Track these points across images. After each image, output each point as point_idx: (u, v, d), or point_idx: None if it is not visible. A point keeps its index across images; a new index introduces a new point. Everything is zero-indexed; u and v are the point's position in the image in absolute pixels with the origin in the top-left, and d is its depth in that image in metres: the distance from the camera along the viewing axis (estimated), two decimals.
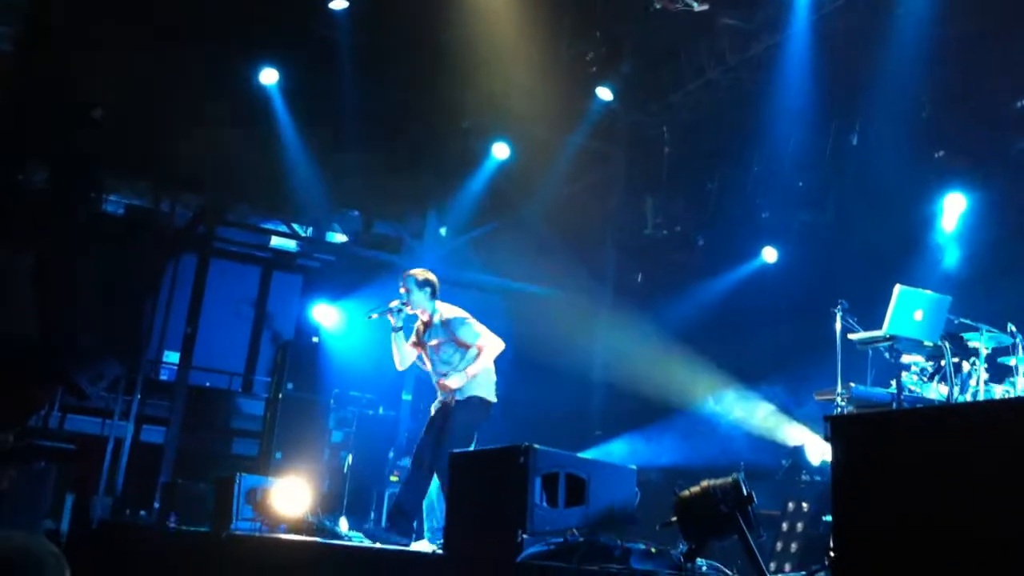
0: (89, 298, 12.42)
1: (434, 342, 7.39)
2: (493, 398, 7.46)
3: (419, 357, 7.61)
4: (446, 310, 7.44)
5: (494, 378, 7.51)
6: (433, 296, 7.44)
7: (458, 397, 7.32)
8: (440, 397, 7.50)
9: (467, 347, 7.34)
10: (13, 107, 12.01)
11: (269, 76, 12.45)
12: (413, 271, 7.53)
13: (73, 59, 11.68)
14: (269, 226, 15.39)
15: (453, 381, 7.23)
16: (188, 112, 12.35)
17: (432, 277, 7.46)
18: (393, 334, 7.41)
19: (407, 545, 7.05)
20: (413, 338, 7.55)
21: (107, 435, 12.13)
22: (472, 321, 7.41)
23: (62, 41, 11.61)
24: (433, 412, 7.52)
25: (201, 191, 13.98)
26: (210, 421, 13.44)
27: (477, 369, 7.28)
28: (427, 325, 7.47)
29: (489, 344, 7.33)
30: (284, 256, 15.73)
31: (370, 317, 7.42)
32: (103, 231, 13.24)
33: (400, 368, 7.60)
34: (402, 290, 7.40)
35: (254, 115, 12.64)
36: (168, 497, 10.12)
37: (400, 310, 7.34)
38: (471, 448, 7.24)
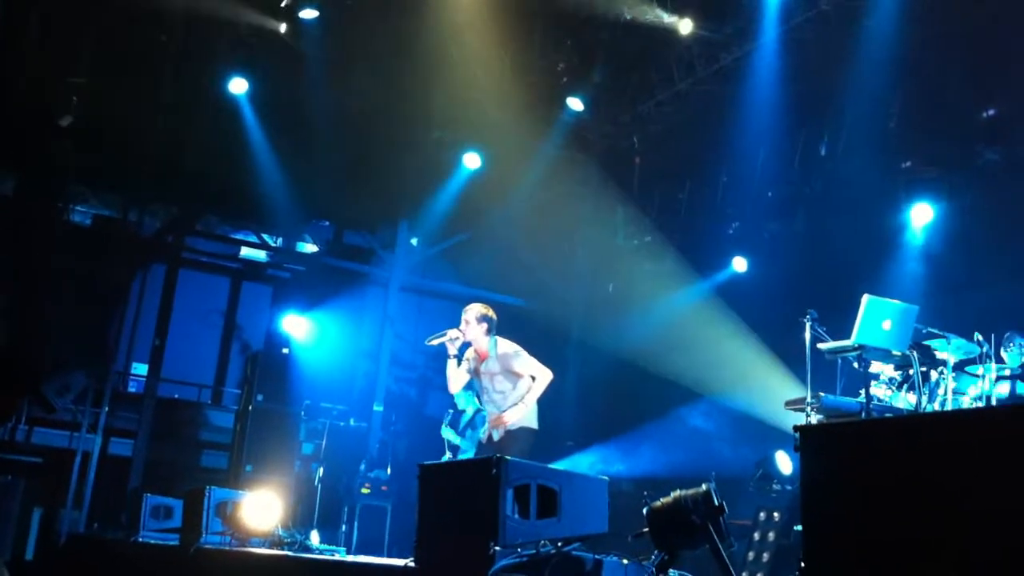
0: (56, 309, 12.29)
1: (490, 373, 7.82)
2: (537, 426, 7.86)
3: (471, 384, 8.07)
4: (502, 345, 7.86)
5: (536, 408, 7.89)
6: (490, 331, 7.87)
7: (509, 427, 7.69)
8: (488, 429, 7.87)
9: (520, 377, 7.78)
10: None
11: (239, 86, 12.39)
12: (473, 306, 7.98)
13: (41, 69, 11.58)
14: (239, 236, 15.30)
15: (512, 414, 7.64)
16: (156, 121, 12.26)
17: (491, 313, 7.93)
18: (449, 360, 7.86)
19: None
20: (465, 365, 7.96)
21: (75, 448, 11.98)
22: (524, 353, 7.84)
23: (30, 50, 11.51)
24: (484, 441, 7.89)
25: (170, 201, 13.88)
26: (179, 433, 13.31)
27: (533, 398, 7.75)
28: (483, 358, 7.89)
29: (542, 374, 7.78)
30: (254, 266, 15.63)
31: (429, 342, 7.87)
32: (70, 241, 13.10)
33: (453, 391, 8.12)
34: (463, 322, 7.83)
35: (224, 124, 12.57)
36: (136, 510, 10.01)
37: (458, 338, 7.78)
38: None
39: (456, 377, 7.94)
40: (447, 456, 9.25)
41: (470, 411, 9.39)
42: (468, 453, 9.12)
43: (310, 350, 13.25)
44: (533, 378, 7.78)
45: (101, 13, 11.43)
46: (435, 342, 7.85)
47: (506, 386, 7.79)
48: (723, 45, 11.62)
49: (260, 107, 12.77)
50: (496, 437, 7.74)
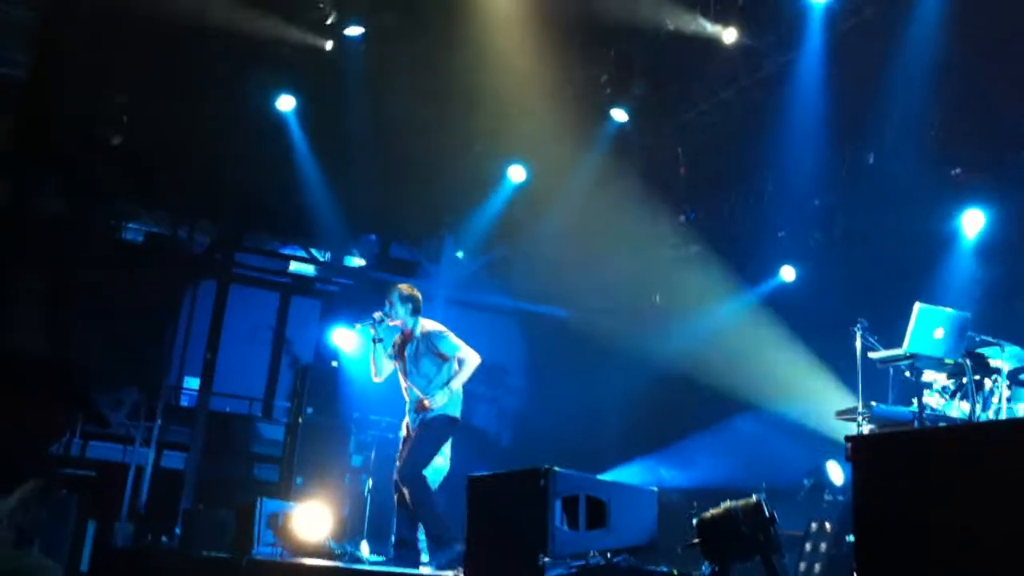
0: (109, 325, 12.47)
1: (414, 356, 7.57)
2: (458, 414, 7.63)
3: (397, 371, 7.76)
4: (426, 325, 7.63)
5: (461, 395, 7.66)
6: (415, 312, 7.63)
7: (427, 416, 7.46)
8: (410, 416, 7.63)
9: (446, 360, 7.52)
10: (31, 133, 12.12)
11: (286, 103, 12.53)
12: (399, 286, 7.74)
13: (89, 86, 11.78)
14: (287, 251, 15.46)
15: (437, 399, 7.40)
16: (205, 139, 12.42)
17: (416, 294, 7.68)
18: (372, 344, 7.61)
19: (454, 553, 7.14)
20: (391, 351, 7.72)
21: (128, 462, 12.16)
22: (450, 335, 7.59)
23: (77, 69, 11.71)
24: (405, 432, 7.66)
25: (219, 217, 14.05)
26: (231, 447, 13.43)
27: (459, 383, 7.49)
28: (407, 339, 7.65)
29: (469, 357, 7.52)
30: (303, 281, 15.78)
31: (355, 327, 7.73)
32: (122, 258, 13.31)
33: (376, 379, 7.77)
34: (386, 304, 7.59)
35: (271, 141, 12.71)
36: (189, 523, 10.14)
37: (382, 321, 7.54)
38: (433, 465, 7.57)
39: (380, 364, 7.64)
40: None
41: None
42: None
43: (359, 363, 13.33)
44: (460, 362, 7.51)
45: (148, 32, 11.61)
46: (358, 327, 7.64)
47: (431, 370, 7.52)
48: (767, 53, 11.55)
49: (307, 123, 12.91)
50: (413, 425, 7.50)
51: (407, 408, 7.69)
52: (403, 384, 7.70)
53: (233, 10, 11.27)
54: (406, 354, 7.63)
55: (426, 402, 7.42)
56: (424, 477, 7.42)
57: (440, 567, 7.03)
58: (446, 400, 7.44)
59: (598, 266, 14.93)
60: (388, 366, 7.70)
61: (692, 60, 12.16)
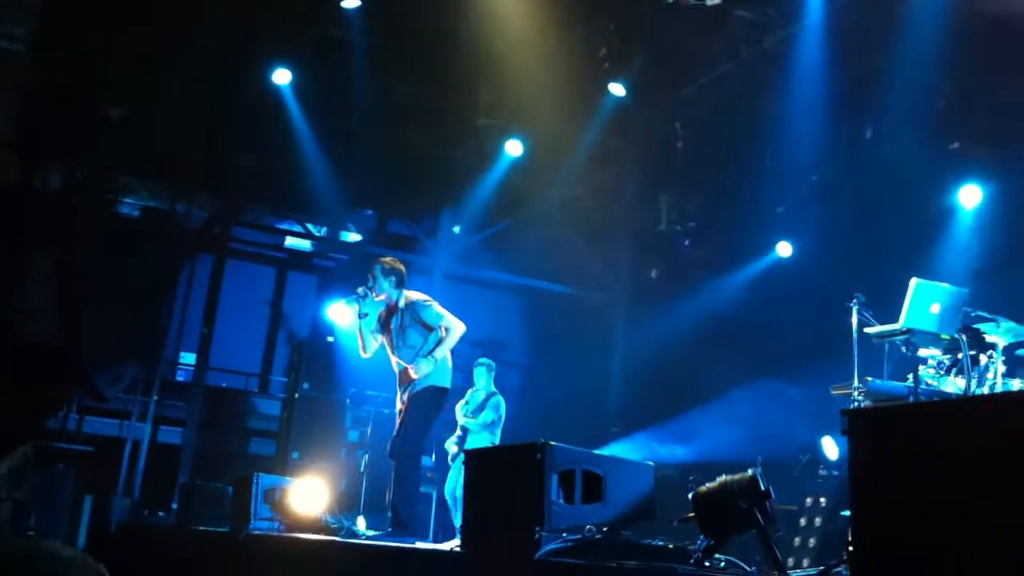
0: (106, 300, 12.47)
1: (398, 327, 7.56)
2: (447, 384, 7.62)
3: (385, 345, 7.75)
4: (410, 295, 7.63)
5: (450, 364, 7.66)
6: (399, 285, 7.62)
7: (414, 388, 7.46)
8: (401, 389, 7.63)
9: (431, 330, 7.51)
10: (29, 110, 12.06)
11: (283, 76, 12.47)
12: (381, 259, 7.74)
13: (87, 61, 11.72)
14: (284, 226, 15.44)
15: (422, 368, 7.38)
16: (202, 113, 12.37)
17: (399, 266, 7.67)
18: (359, 320, 7.61)
19: (413, 543, 7.17)
20: (376, 325, 7.71)
21: (125, 437, 12.18)
22: (434, 303, 7.59)
23: (76, 43, 11.65)
24: (400, 406, 7.65)
25: (216, 192, 14.01)
26: (227, 421, 13.46)
27: (444, 351, 7.48)
28: (392, 312, 7.64)
29: (454, 325, 7.51)
30: (299, 256, 15.77)
31: (340, 304, 7.60)
32: (119, 233, 13.29)
33: (364, 355, 7.76)
34: (369, 278, 7.59)
35: (268, 115, 12.67)
36: (186, 498, 10.17)
37: (365, 296, 7.54)
38: (427, 436, 7.60)
39: (367, 339, 7.64)
40: None
41: None
42: None
43: (354, 338, 13.33)
44: (446, 330, 7.50)
45: (147, 5, 11.54)
46: (343, 303, 7.62)
47: (417, 340, 7.51)
48: (767, 27, 11.50)
49: (304, 97, 12.85)
50: (404, 398, 7.50)
51: (398, 382, 7.68)
52: (391, 358, 7.70)
53: None
54: (392, 327, 7.61)
55: (411, 371, 7.40)
56: (414, 456, 7.42)
57: None
58: (431, 369, 7.41)
59: (596, 241, 14.92)
60: (375, 341, 7.69)
61: (692, 33, 12.11)
